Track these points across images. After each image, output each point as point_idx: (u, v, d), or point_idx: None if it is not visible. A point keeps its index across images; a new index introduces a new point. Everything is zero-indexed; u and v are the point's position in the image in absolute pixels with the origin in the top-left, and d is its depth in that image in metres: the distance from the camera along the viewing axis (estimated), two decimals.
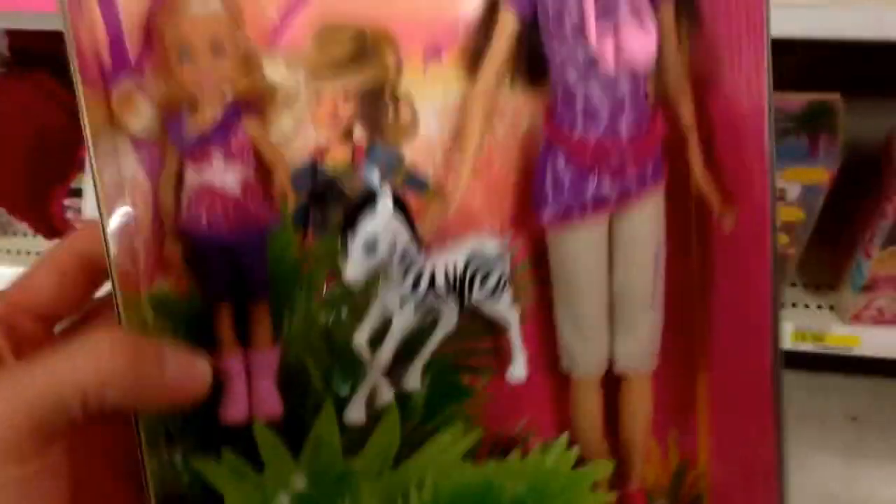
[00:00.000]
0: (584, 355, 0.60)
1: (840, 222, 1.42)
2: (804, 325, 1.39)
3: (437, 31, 0.56)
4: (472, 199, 0.58)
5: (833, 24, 0.98)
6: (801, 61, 1.40)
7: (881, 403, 1.61)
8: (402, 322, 0.57)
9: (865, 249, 1.31)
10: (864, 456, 1.53)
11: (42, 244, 1.45)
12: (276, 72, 0.55)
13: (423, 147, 0.58)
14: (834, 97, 1.16)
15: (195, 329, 0.57)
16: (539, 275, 0.60)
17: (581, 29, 0.53)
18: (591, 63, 0.54)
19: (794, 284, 1.46)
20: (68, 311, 0.55)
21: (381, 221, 0.54)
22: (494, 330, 0.61)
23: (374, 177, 0.55)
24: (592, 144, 0.55)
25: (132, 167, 0.55)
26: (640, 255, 0.58)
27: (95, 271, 0.55)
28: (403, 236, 0.55)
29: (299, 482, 0.58)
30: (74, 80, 0.50)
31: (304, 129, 0.57)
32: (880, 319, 1.37)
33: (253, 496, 0.57)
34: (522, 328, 0.61)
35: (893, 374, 1.62)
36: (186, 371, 0.51)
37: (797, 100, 1.14)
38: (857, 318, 1.38)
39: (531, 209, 0.58)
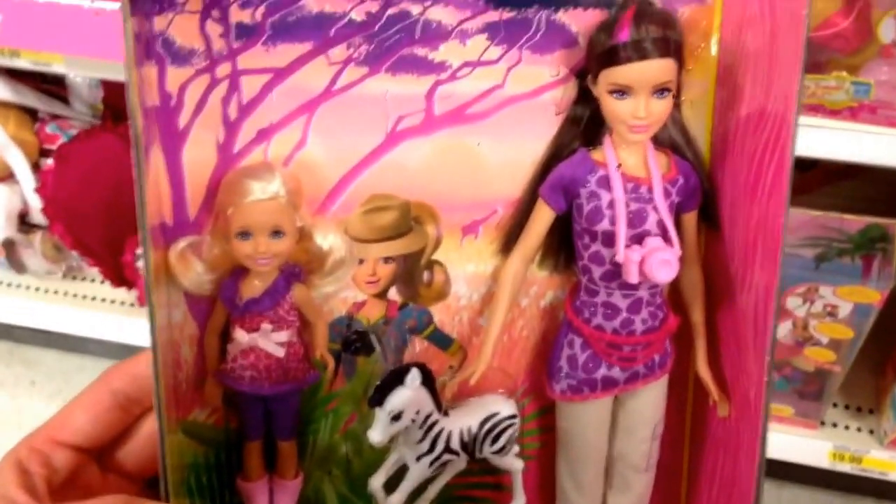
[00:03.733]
0: None
1: (887, 347, 1.45)
2: (843, 445, 1.40)
3: (475, 210, 0.60)
4: (491, 359, 0.62)
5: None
6: (864, 186, 1.42)
7: None
8: (417, 474, 0.62)
9: None
10: None
11: (110, 292, 1.46)
12: (325, 240, 0.59)
13: (451, 309, 0.62)
14: (891, 222, 1.17)
15: (226, 456, 0.62)
16: (544, 426, 0.66)
17: (610, 236, 0.57)
18: (616, 267, 0.58)
19: (835, 405, 1.47)
20: (104, 443, 0.58)
21: (408, 394, 0.59)
22: (497, 470, 0.66)
23: (403, 333, 0.60)
24: (608, 335, 0.60)
25: (182, 312, 0.59)
26: (641, 429, 0.63)
27: (130, 407, 0.58)
28: (427, 405, 0.60)
29: None
30: (140, 233, 0.54)
31: (345, 289, 0.61)
32: None
33: None
34: (525, 472, 0.66)
35: None
36: None
37: (856, 221, 1.15)
38: (895, 444, 1.39)
39: (545, 379, 0.62)
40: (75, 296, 1.46)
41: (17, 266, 1.39)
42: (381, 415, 0.59)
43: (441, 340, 0.62)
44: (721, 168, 0.60)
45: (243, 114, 0.58)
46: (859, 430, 1.43)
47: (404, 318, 0.62)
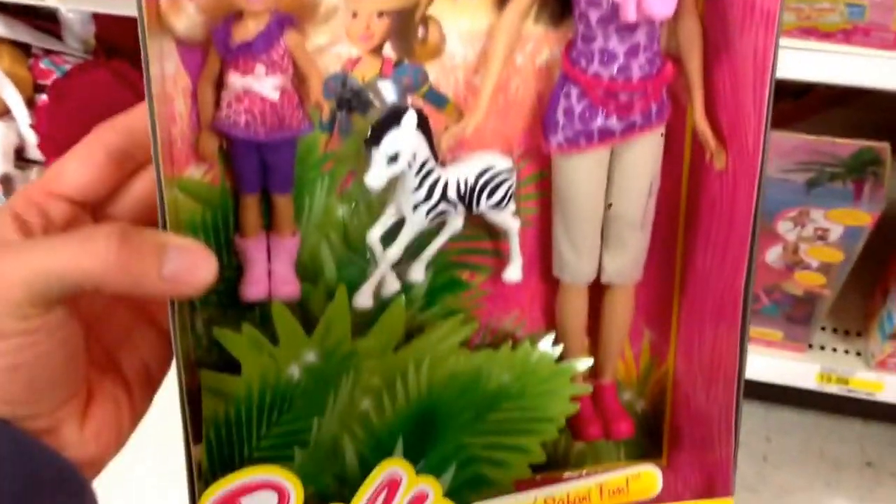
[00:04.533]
0: (576, 265, 0.66)
1: (876, 271, 1.48)
2: (830, 367, 1.45)
3: None
4: (487, 119, 0.62)
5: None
6: (857, 113, 1.44)
7: None
8: (414, 225, 0.63)
9: None
10: (876, 501, 1.60)
11: None
12: None
13: (446, 67, 0.62)
14: (883, 146, 1.18)
15: (223, 214, 0.62)
16: (541, 190, 0.66)
17: None
18: (613, 9, 0.57)
19: (823, 328, 1.52)
20: (98, 196, 0.59)
21: (404, 136, 0.59)
22: (495, 234, 0.67)
23: (397, 93, 0.60)
24: (605, 82, 0.59)
25: (175, 64, 0.59)
26: (637, 183, 0.63)
27: (124, 160, 0.59)
28: (423, 150, 0.60)
29: (310, 356, 0.64)
30: None
31: (339, 42, 0.60)
32: None
33: (268, 366, 0.63)
34: (522, 235, 0.66)
35: None
36: (188, 266, 0.53)
37: (848, 145, 1.16)
38: (882, 365, 1.44)
39: (541, 134, 0.62)
40: None
41: None
42: (378, 156, 0.59)
43: (436, 100, 0.62)
44: None
45: None
46: (847, 352, 1.49)
47: (399, 76, 0.61)
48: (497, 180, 0.63)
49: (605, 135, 0.61)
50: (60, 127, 1.50)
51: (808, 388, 1.49)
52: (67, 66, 1.58)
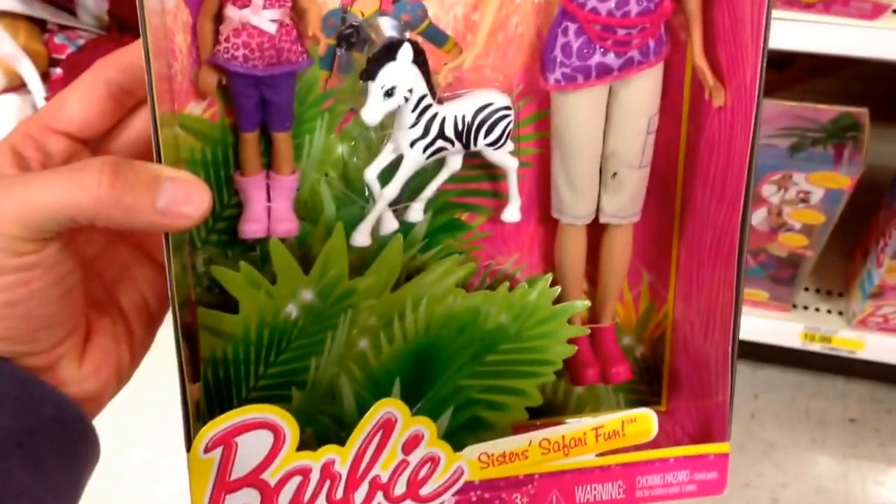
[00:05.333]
0: (575, 205, 0.66)
1: (856, 232, 1.53)
2: (813, 326, 1.51)
3: None
4: (485, 57, 0.63)
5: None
6: (838, 82, 1.48)
7: (879, 407, 1.68)
8: (412, 162, 0.62)
9: (877, 258, 1.42)
10: (859, 457, 1.63)
11: None
12: None
13: (445, 4, 0.62)
14: (861, 111, 1.23)
15: (223, 152, 0.62)
16: (541, 130, 0.66)
17: None
18: None
19: (806, 289, 1.58)
20: (97, 132, 0.59)
21: (400, 69, 0.59)
22: (494, 175, 0.67)
23: (396, 29, 0.60)
24: (602, 17, 0.59)
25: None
26: (635, 121, 0.63)
27: (123, 95, 0.59)
28: (420, 85, 0.60)
29: (307, 295, 0.64)
30: None
31: None
32: (885, 326, 1.49)
33: (266, 304, 0.64)
34: (521, 177, 0.66)
35: (893, 380, 1.71)
36: (183, 197, 0.53)
37: (827, 111, 1.21)
38: (863, 324, 1.50)
39: (539, 71, 0.62)
40: None
41: None
42: (374, 89, 0.59)
43: (436, 36, 0.62)
44: None
45: None
46: (829, 311, 1.55)
47: (399, 12, 0.61)
48: (495, 117, 0.63)
49: (603, 71, 0.61)
50: None
51: (792, 347, 1.55)
52: (81, 41, 1.60)
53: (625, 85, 0.62)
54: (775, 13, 0.52)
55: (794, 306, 1.56)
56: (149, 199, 0.51)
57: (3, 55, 1.45)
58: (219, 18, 0.59)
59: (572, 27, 0.60)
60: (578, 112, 0.62)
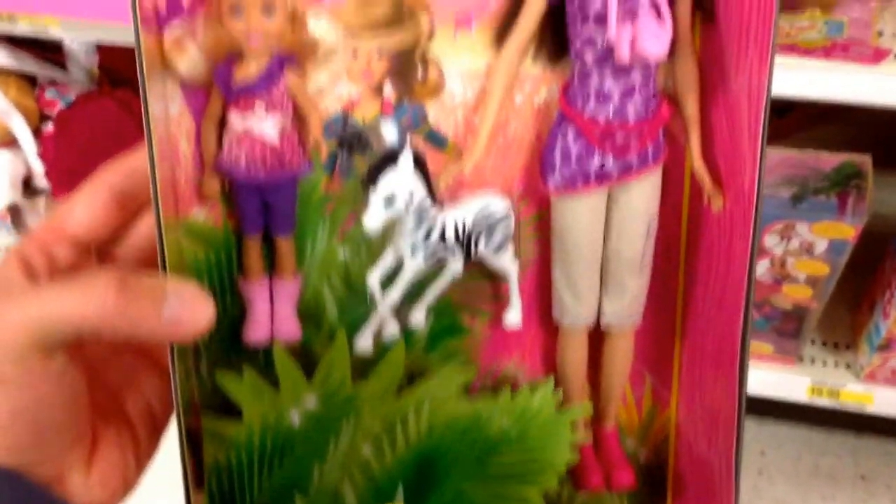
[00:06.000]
0: (575, 309, 0.65)
1: (862, 283, 1.51)
2: (820, 380, 1.46)
3: (469, 2, 0.61)
4: (486, 159, 0.63)
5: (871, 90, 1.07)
6: (839, 129, 1.48)
7: (891, 463, 1.66)
8: (413, 267, 0.63)
9: (884, 310, 1.38)
10: None
11: None
12: (318, 28, 0.60)
13: (446, 107, 0.63)
14: (864, 159, 1.22)
15: (226, 256, 0.63)
16: (540, 231, 0.66)
17: (602, 17, 0.58)
18: (608, 50, 0.58)
19: (813, 341, 1.53)
20: (102, 238, 0.60)
21: (401, 177, 0.60)
22: (495, 278, 0.67)
23: (397, 133, 0.61)
24: (601, 124, 0.60)
25: (179, 105, 0.60)
26: (635, 225, 0.63)
27: (127, 201, 0.60)
28: (420, 192, 0.61)
29: (310, 401, 0.64)
30: (133, 17, 0.54)
31: (339, 83, 0.61)
32: (894, 380, 1.44)
33: (268, 411, 0.63)
34: (521, 279, 0.66)
35: None
36: (187, 309, 0.54)
37: (830, 159, 1.20)
38: (871, 377, 1.45)
39: (539, 175, 0.63)
40: None
41: (23, 230, 1.41)
42: (375, 198, 0.60)
43: (437, 140, 0.63)
44: None
45: None
46: (836, 364, 1.50)
47: (399, 116, 0.62)
48: (494, 222, 0.63)
49: (602, 176, 0.62)
50: (66, 156, 1.52)
51: (799, 402, 1.50)
52: (72, 96, 1.61)
53: (624, 189, 0.62)
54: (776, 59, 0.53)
55: (801, 359, 1.51)
56: (154, 313, 0.52)
57: None
58: (222, 124, 0.60)
59: (571, 132, 0.61)
60: (578, 216, 0.63)
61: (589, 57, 0.59)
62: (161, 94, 0.58)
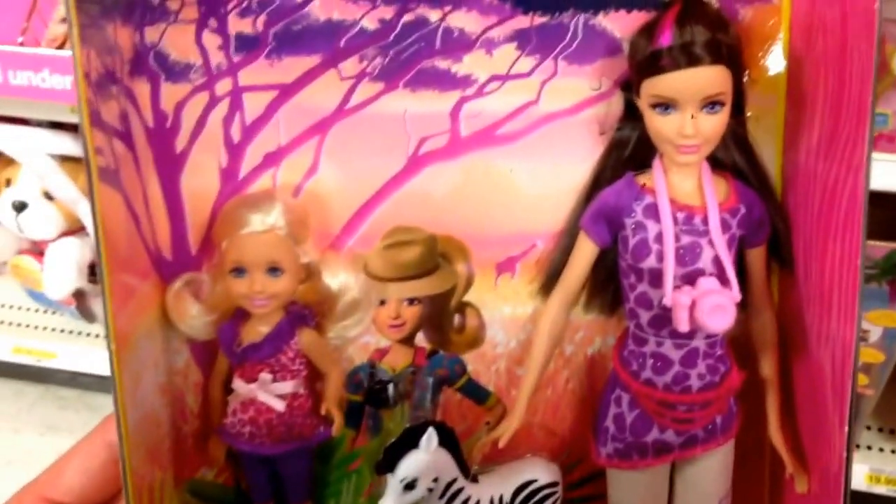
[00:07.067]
0: None
1: None
2: (878, 468, 1.41)
3: (511, 245, 0.53)
4: (531, 416, 0.55)
5: None
6: (887, 215, 1.42)
7: None
8: None
9: None
10: None
11: None
12: (335, 279, 0.53)
13: (487, 357, 0.55)
14: None
15: None
16: (597, 492, 0.57)
17: (658, 276, 0.49)
18: (666, 312, 0.49)
19: (869, 428, 1.49)
20: (96, 501, 0.55)
21: (423, 459, 0.51)
22: None
23: (435, 383, 0.54)
24: (659, 392, 0.51)
25: (185, 357, 0.54)
26: (703, 501, 0.55)
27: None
28: (448, 469, 0.52)
29: None
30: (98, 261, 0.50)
31: (365, 333, 0.54)
32: None
33: None
34: None
35: None
36: None
37: (880, 247, 1.16)
38: None
39: (591, 440, 0.54)
40: None
41: (88, 315, 1.42)
42: (393, 482, 0.51)
43: (476, 393, 0.55)
44: (793, 196, 0.51)
45: (247, 136, 0.52)
46: (893, 451, 1.46)
47: (434, 367, 0.55)
48: (538, 497, 0.55)
49: (662, 450, 0.53)
50: None
51: (858, 489, 1.42)
52: None
53: (690, 463, 0.54)
54: None
55: (858, 446, 1.45)
56: None
57: (65, 200, 1.44)
58: (229, 384, 0.53)
59: (626, 397, 0.52)
60: (636, 490, 0.54)
61: (644, 317, 0.51)
62: (167, 349, 0.53)
